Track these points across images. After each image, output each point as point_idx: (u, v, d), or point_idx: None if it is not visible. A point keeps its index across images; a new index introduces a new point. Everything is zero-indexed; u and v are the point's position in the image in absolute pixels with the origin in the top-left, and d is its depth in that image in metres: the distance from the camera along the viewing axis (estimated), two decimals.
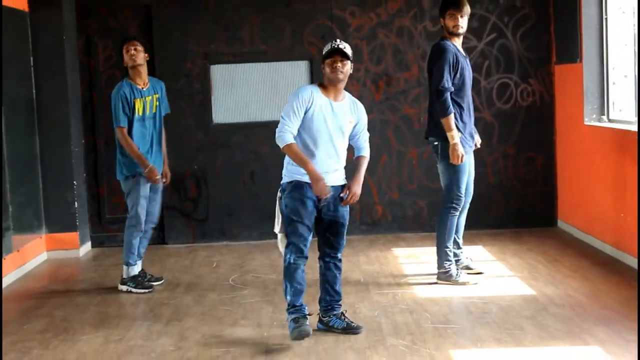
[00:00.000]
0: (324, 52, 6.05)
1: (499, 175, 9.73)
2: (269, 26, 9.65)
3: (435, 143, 7.32)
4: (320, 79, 9.49)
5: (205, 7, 9.60)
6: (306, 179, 5.97)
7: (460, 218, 7.58)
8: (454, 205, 7.34)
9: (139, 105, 7.53)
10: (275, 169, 9.10)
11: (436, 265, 7.50)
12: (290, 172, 6.09)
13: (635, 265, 7.61)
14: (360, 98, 9.73)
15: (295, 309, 6.02)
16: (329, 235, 6.18)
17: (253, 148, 9.51)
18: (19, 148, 8.67)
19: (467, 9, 7.25)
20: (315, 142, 6.02)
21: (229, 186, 9.68)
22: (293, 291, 6.02)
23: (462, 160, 7.13)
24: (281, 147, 5.99)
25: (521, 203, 9.79)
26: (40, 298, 7.65)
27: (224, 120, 9.71)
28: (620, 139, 8.06)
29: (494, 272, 7.84)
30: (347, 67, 6.03)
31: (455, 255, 7.58)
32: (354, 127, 6.20)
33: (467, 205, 7.62)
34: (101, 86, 9.67)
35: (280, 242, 6.23)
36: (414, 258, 8.51)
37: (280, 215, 6.16)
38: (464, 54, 7.40)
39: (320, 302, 6.27)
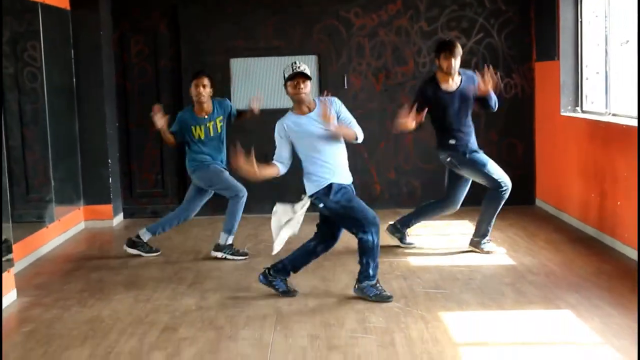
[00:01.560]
0: (285, 76, 6.03)
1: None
2: (282, 25, 9.61)
3: (448, 159, 7.30)
4: (327, 74, 9.61)
5: (226, 8, 9.58)
6: (333, 180, 6.03)
7: (431, 212, 7.78)
8: (504, 192, 7.34)
9: (198, 131, 7.50)
10: None
11: (476, 234, 7.51)
12: (318, 180, 6.06)
13: (599, 237, 7.61)
14: (362, 89, 9.79)
15: (376, 274, 6.10)
16: (337, 229, 6.31)
17: (267, 132, 9.37)
18: (61, 130, 8.69)
19: (459, 51, 7.15)
20: (321, 153, 6.03)
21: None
22: (376, 264, 6.08)
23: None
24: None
25: None
26: (79, 262, 7.68)
27: (241, 107, 9.66)
28: (591, 128, 8.04)
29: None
30: (309, 86, 6.04)
31: (402, 229, 7.75)
32: (338, 119, 6.11)
33: (444, 212, 7.71)
34: (133, 76, 9.67)
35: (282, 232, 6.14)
36: (409, 231, 8.50)
37: (281, 232, 6.11)
38: (456, 86, 7.23)
39: (286, 263, 6.31)
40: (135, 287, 6.70)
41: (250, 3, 9.59)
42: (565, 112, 8.82)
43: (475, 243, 7.46)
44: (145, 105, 9.61)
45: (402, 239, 7.75)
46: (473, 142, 7.35)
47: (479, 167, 7.26)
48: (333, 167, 6.06)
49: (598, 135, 7.84)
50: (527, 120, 9.74)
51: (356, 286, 6.11)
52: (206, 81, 7.49)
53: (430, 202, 7.76)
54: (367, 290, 6.03)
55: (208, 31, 9.58)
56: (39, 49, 8.11)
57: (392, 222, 7.81)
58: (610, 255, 7.20)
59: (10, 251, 6.42)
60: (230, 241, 7.63)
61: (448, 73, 7.17)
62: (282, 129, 6.07)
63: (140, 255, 7.71)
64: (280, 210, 6.14)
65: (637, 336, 4.44)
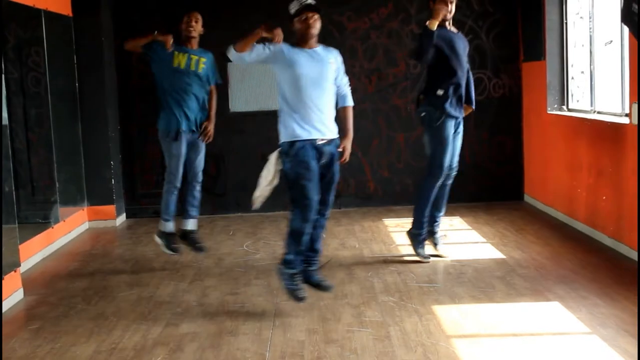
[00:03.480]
0: (292, 11, 5.54)
1: (475, 156, 9.70)
2: (279, 26, 9.57)
3: (423, 114, 6.85)
4: None
5: (223, 13, 9.56)
6: (306, 136, 5.44)
7: (444, 191, 7.04)
8: (436, 174, 6.84)
9: (179, 58, 6.92)
10: None
11: (411, 223, 7.06)
12: (289, 130, 5.49)
13: (586, 231, 7.62)
14: (355, 90, 9.69)
15: (294, 265, 5.63)
16: (324, 192, 5.60)
17: (264, 132, 9.46)
18: (65, 133, 8.67)
19: None
20: (302, 103, 5.46)
21: (243, 165, 9.66)
22: (296, 251, 5.59)
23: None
24: (232, 51, 5.50)
25: (493, 180, 9.78)
26: (83, 261, 7.66)
27: (239, 109, 9.68)
28: (577, 126, 8.04)
29: (469, 239, 7.84)
30: (319, 21, 5.51)
31: (433, 228, 7.12)
32: (337, 72, 5.66)
33: (451, 180, 7.06)
34: (134, 80, 9.65)
35: (259, 193, 5.75)
36: (402, 227, 8.50)
37: (268, 175, 5.65)
38: (456, 31, 6.91)
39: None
40: (138, 284, 6.69)
41: (246, 8, 9.57)
42: (552, 111, 8.82)
43: (410, 233, 7.05)
44: (146, 108, 9.64)
45: (436, 243, 7.13)
46: (453, 112, 6.83)
47: (438, 141, 6.83)
48: (307, 116, 5.47)
49: (583, 133, 7.85)
50: (515, 118, 9.75)
51: (278, 264, 5.76)
52: (199, 16, 7.12)
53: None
54: (283, 276, 5.64)
55: (206, 37, 9.52)
56: (43, 55, 8.09)
57: (424, 234, 7.07)
58: (596, 248, 7.21)
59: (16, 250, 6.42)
60: (164, 228, 7.16)
61: (445, 21, 6.74)
62: (277, 46, 5.51)
63: (174, 254, 7.26)
64: (268, 162, 5.68)
65: (637, 337, 4.40)
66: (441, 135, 6.82)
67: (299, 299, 5.62)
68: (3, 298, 6.05)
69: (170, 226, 7.19)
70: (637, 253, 6.21)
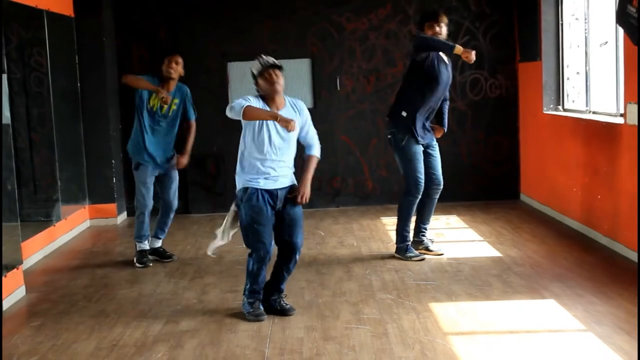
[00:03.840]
0: (255, 72, 5.45)
1: (471, 156, 9.70)
2: (277, 30, 9.60)
3: (389, 136, 6.92)
4: (321, 76, 9.60)
5: (223, 14, 9.56)
6: (260, 185, 5.41)
7: (430, 204, 7.10)
8: (412, 191, 6.87)
9: (154, 101, 7.05)
10: None
11: (395, 240, 7.11)
12: (243, 179, 5.50)
13: (581, 230, 7.62)
14: (354, 90, 9.78)
15: (253, 296, 5.57)
16: (289, 236, 5.51)
17: None
18: (67, 132, 8.66)
19: (445, 20, 6.83)
20: (264, 152, 5.43)
21: None
22: (253, 289, 5.54)
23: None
24: (239, 114, 5.28)
25: (490, 179, 9.77)
26: (84, 259, 7.66)
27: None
28: (573, 126, 8.04)
29: (466, 237, 7.84)
30: (282, 78, 5.44)
31: (419, 238, 7.17)
32: (302, 129, 5.60)
33: (437, 194, 7.09)
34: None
35: (217, 240, 5.75)
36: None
37: (228, 220, 5.70)
38: (447, 62, 6.88)
39: (264, 287, 5.63)
40: (138, 282, 6.68)
41: (246, 9, 9.57)
42: (548, 111, 8.82)
43: (397, 251, 7.10)
44: None
45: (427, 247, 7.16)
46: (422, 138, 6.86)
47: (407, 160, 6.86)
48: (263, 167, 5.45)
49: (579, 133, 7.84)
50: (511, 118, 9.74)
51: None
52: (179, 59, 7.13)
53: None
54: (243, 303, 5.63)
55: (206, 37, 9.55)
56: (45, 55, 8.09)
57: (409, 242, 7.11)
58: (591, 246, 7.21)
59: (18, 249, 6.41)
60: (138, 247, 7.33)
61: None
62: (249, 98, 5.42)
63: (144, 266, 7.26)
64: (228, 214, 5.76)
65: (637, 337, 4.39)
66: (409, 153, 6.86)
67: (259, 320, 5.49)
68: (6, 296, 6.05)
69: (144, 245, 7.33)
70: (637, 254, 6.17)
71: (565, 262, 6.73)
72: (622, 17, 6.58)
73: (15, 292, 6.24)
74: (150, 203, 7.25)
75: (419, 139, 6.84)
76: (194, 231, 8.73)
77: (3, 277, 6.02)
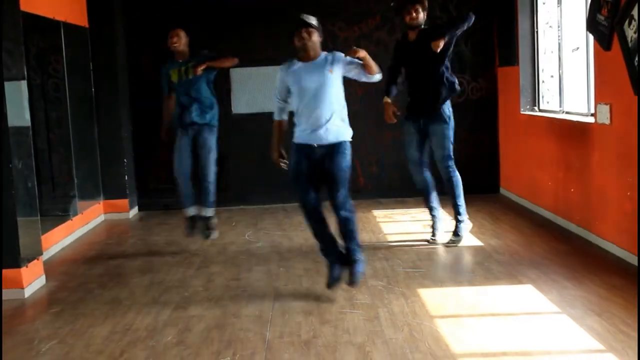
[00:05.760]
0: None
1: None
2: (276, 38, 9.57)
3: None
4: None
5: (227, 23, 9.55)
6: (302, 140, 5.40)
7: (443, 185, 7.08)
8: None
9: (173, 73, 7.09)
10: None
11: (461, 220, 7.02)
12: (295, 132, 5.53)
13: (556, 220, 7.63)
14: (347, 94, 9.69)
15: (324, 254, 5.60)
16: (328, 190, 5.43)
17: (263, 133, 9.38)
18: (82, 133, 8.65)
19: (423, 3, 6.66)
20: (300, 102, 5.40)
21: (244, 163, 9.65)
22: (320, 249, 5.60)
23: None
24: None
25: (472, 174, 9.70)
26: (99, 250, 7.65)
27: (240, 111, 9.66)
28: (547, 125, 8.05)
29: (450, 228, 7.81)
30: (313, 35, 5.37)
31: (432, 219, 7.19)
32: (343, 69, 5.48)
33: (445, 176, 7.00)
34: (145, 85, 9.62)
35: None
36: (389, 218, 8.52)
37: None
38: (414, 37, 6.74)
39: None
40: (149, 271, 6.68)
41: (248, 19, 9.55)
42: (525, 111, 8.83)
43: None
44: (156, 110, 9.61)
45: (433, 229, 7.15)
46: (410, 114, 6.98)
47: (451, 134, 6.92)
48: (306, 123, 5.41)
49: (553, 131, 7.85)
50: (491, 118, 9.75)
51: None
52: (180, 32, 7.12)
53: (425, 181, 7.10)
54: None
55: (210, 44, 9.52)
56: (62, 63, 8.07)
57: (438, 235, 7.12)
58: (564, 235, 7.22)
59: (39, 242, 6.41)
60: (186, 213, 7.31)
61: (411, 27, 6.68)
62: (284, 74, 5.51)
63: (187, 234, 7.37)
64: None
65: (637, 338, 4.40)
66: (404, 132, 7.09)
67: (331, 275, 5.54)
68: (27, 285, 6.05)
69: (187, 211, 7.27)
70: (637, 258, 5.92)
71: (541, 250, 6.74)
72: (592, 25, 6.59)
73: (36, 281, 6.24)
74: (183, 169, 7.16)
75: (410, 114, 7.00)
76: (200, 224, 8.70)
77: (25, 268, 6.03)
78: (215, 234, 7.41)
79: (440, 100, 6.84)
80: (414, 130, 7.00)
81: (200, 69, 6.95)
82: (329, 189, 5.42)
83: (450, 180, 6.97)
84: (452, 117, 6.94)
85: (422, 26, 6.83)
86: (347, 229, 5.52)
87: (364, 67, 5.49)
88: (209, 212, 7.31)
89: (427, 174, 7.09)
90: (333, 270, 5.59)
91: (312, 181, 5.46)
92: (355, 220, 5.54)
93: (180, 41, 7.11)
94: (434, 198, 7.16)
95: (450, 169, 6.94)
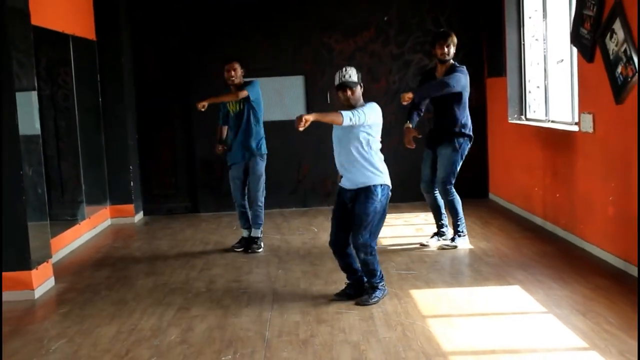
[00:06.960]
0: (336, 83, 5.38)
1: None
2: (275, 49, 9.60)
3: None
4: (313, 91, 9.61)
5: (230, 36, 9.55)
6: (339, 183, 5.50)
7: (436, 201, 7.16)
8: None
9: (230, 107, 7.22)
10: (280, 156, 9.11)
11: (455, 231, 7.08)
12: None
13: (542, 224, 7.64)
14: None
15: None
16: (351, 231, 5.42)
17: (269, 139, 9.46)
18: (90, 141, 8.64)
19: (453, 40, 6.82)
20: (335, 150, 5.48)
21: None
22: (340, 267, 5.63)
23: None
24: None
25: (462, 180, 9.68)
26: (106, 253, 7.64)
27: None
28: (534, 133, 8.06)
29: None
30: (354, 93, 5.34)
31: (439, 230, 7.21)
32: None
33: (437, 194, 7.14)
34: (150, 95, 9.63)
35: None
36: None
37: None
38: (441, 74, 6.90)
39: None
40: (154, 273, 6.67)
41: (250, 32, 9.55)
42: (512, 120, 8.84)
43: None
44: (160, 119, 9.64)
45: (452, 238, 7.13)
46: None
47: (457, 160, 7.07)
48: (339, 168, 5.49)
49: (539, 139, 7.87)
50: (480, 127, 9.73)
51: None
52: (235, 65, 7.12)
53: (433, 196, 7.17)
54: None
55: (214, 54, 9.53)
56: (71, 74, 8.07)
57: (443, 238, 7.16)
58: (551, 238, 7.23)
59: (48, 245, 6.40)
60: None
61: (441, 61, 6.83)
62: None
63: (234, 250, 7.39)
64: None
65: (637, 337, 4.39)
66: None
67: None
68: (37, 286, 6.05)
69: (243, 232, 7.42)
70: (637, 268, 5.85)
71: (529, 252, 6.75)
72: (576, 38, 6.62)
73: (46, 283, 6.24)
74: (240, 197, 7.35)
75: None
76: (202, 228, 8.72)
77: (35, 270, 6.03)
78: (259, 251, 7.40)
79: (452, 133, 6.88)
80: (430, 152, 7.10)
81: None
82: (351, 231, 5.42)
83: (450, 202, 7.03)
84: (463, 151, 6.97)
85: (452, 60, 6.88)
86: (366, 269, 5.48)
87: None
88: (257, 232, 7.39)
89: (438, 194, 7.12)
90: (348, 288, 5.62)
91: (341, 222, 5.49)
92: (374, 261, 5.45)
93: (237, 74, 7.13)
94: (444, 217, 7.19)
95: (449, 191, 7.00)
